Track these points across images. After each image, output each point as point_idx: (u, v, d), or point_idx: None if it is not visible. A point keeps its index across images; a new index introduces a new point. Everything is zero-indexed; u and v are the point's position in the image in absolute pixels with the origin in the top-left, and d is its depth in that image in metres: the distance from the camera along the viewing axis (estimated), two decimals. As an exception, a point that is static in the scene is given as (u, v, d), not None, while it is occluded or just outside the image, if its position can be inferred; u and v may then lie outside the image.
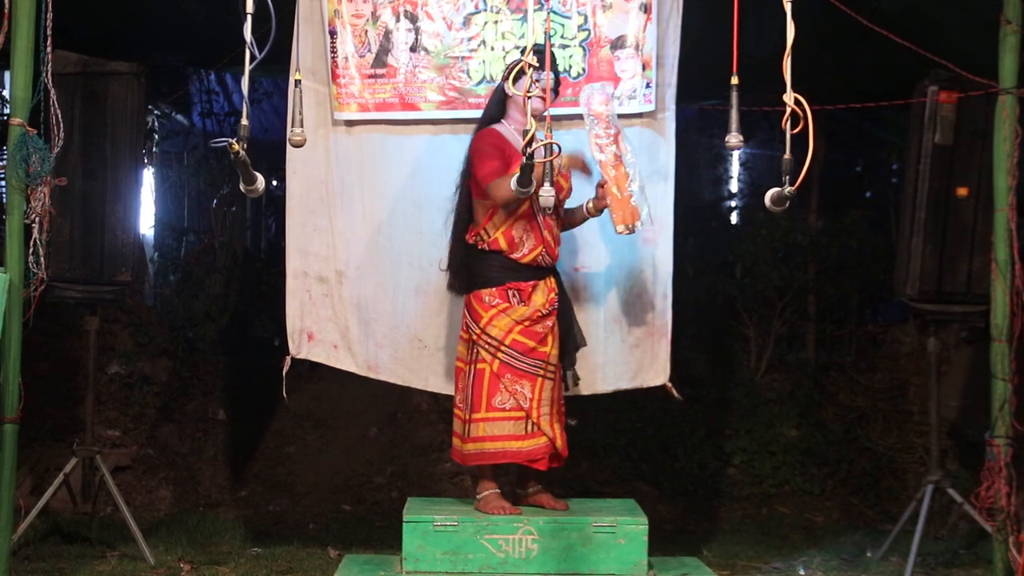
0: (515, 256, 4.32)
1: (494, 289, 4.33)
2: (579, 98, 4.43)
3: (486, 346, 4.30)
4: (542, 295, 4.34)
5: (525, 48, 3.41)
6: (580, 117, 4.53)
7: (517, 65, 4.08)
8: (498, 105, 4.38)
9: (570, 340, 4.44)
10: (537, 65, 3.39)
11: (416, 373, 4.82)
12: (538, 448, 4.31)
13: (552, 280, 4.40)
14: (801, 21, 3.01)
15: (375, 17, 4.67)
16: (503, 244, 4.31)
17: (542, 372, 4.32)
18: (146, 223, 8.00)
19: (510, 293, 4.33)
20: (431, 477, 6.50)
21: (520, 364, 4.30)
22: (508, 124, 4.34)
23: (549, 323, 4.35)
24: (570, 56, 4.66)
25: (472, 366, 4.35)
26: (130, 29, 5.45)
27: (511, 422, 4.29)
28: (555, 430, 4.32)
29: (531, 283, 4.34)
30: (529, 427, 4.31)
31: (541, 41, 3.75)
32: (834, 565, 5.16)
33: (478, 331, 4.31)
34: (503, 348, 4.29)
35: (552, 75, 4.08)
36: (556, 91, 4.38)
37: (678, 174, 4.77)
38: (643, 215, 4.28)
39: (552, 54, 4.41)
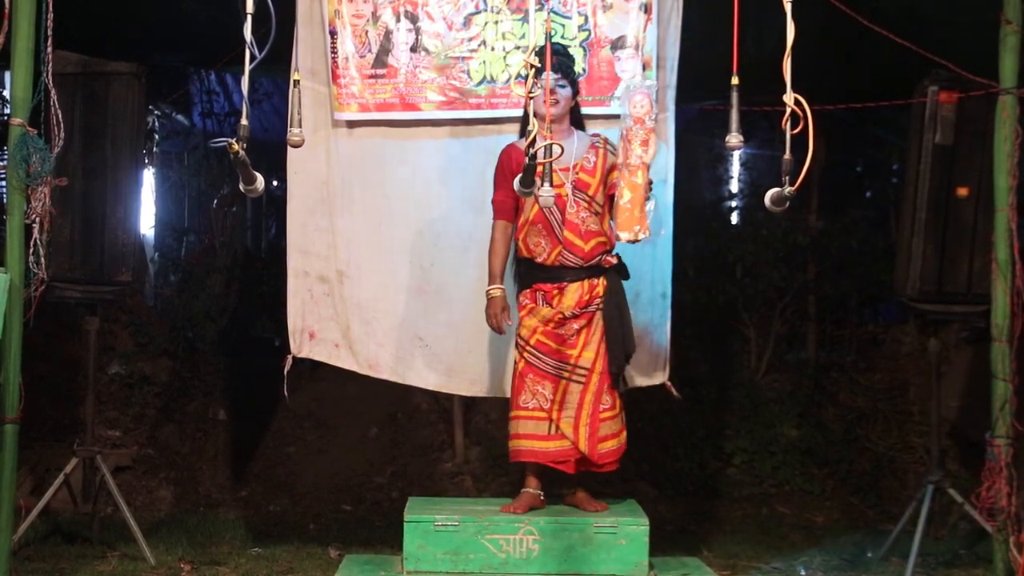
0: (539, 260, 4.37)
1: (526, 291, 4.42)
2: (617, 95, 4.48)
3: (518, 345, 4.39)
4: (572, 297, 4.33)
5: (542, 48, 3.42)
6: (589, 116, 4.60)
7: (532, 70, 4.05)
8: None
9: (615, 344, 4.34)
10: (538, 66, 3.38)
11: (417, 372, 4.83)
12: (561, 451, 4.34)
13: (591, 282, 4.35)
14: (801, 21, 3.01)
15: (375, 17, 4.67)
16: (525, 250, 4.40)
17: (567, 375, 4.33)
18: (146, 223, 7.99)
19: (537, 294, 4.38)
20: (431, 477, 6.51)
21: (542, 365, 4.34)
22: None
23: (576, 326, 4.33)
24: (570, 56, 4.65)
25: (515, 365, 4.43)
26: (130, 29, 5.45)
27: (534, 422, 4.35)
28: (580, 434, 4.31)
29: (557, 285, 4.35)
30: (551, 429, 4.34)
31: (541, 42, 3.75)
32: (834, 565, 5.16)
33: (517, 331, 4.40)
34: (528, 348, 4.35)
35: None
36: (576, 89, 4.39)
37: (678, 174, 4.78)
38: (647, 228, 4.14)
39: (569, 54, 4.43)
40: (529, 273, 4.42)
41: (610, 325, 4.34)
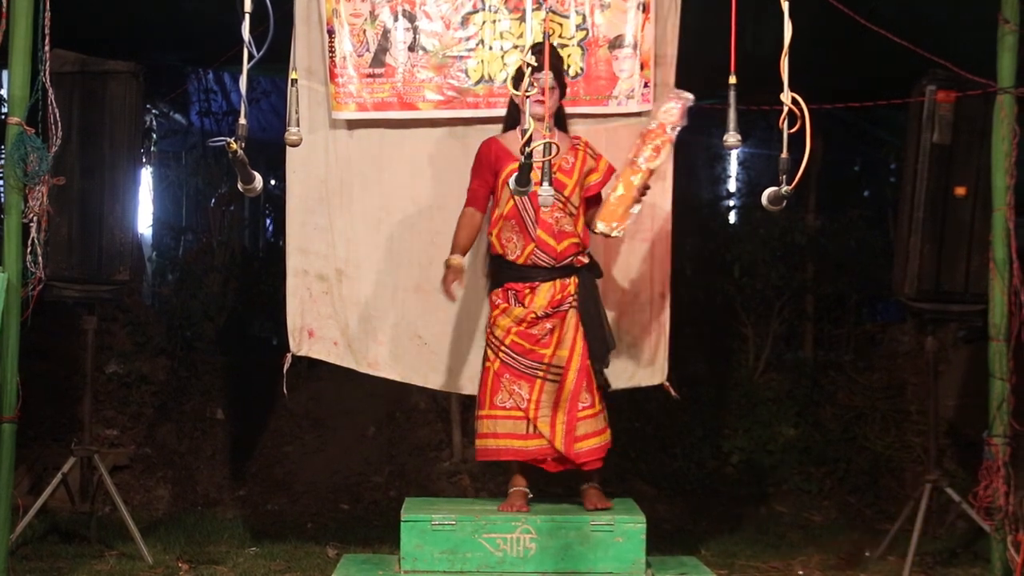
0: (510, 258, 4.36)
1: (498, 290, 4.41)
2: (615, 95, 4.56)
3: (491, 345, 4.37)
4: (544, 296, 4.32)
5: (534, 46, 3.42)
6: (587, 116, 4.63)
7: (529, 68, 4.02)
8: (515, 109, 4.37)
9: (596, 342, 4.35)
10: (535, 65, 3.38)
11: (416, 370, 4.83)
12: (539, 450, 4.33)
13: (563, 282, 4.34)
14: (798, 20, 3.01)
15: (373, 16, 4.67)
16: (498, 247, 4.38)
17: (541, 374, 4.32)
18: (144, 222, 7.99)
19: (509, 294, 4.37)
20: (429, 476, 6.51)
21: (518, 364, 4.33)
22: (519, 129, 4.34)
23: (549, 325, 4.32)
24: (568, 55, 4.65)
25: (484, 364, 4.42)
26: (128, 28, 5.45)
27: (511, 421, 4.34)
28: (556, 432, 4.30)
29: (528, 284, 4.34)
30: (528, 428, 4.33)
31: (539, 40, 3.75)
32: (832, 564, 5.17)
33: (488, 331, 4.40)
34: (503, 348, 4.34)
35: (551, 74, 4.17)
36: (563, 89, 4.38)
37: (676, 174, 4.78)
38: (624, 227, 4.24)
39: (558, 54, 4.41)
40: (501, 272, 4.41)
41: (588, 323, 4.34)
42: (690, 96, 4.35)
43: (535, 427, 4.31)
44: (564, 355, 4.33)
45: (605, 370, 4.43)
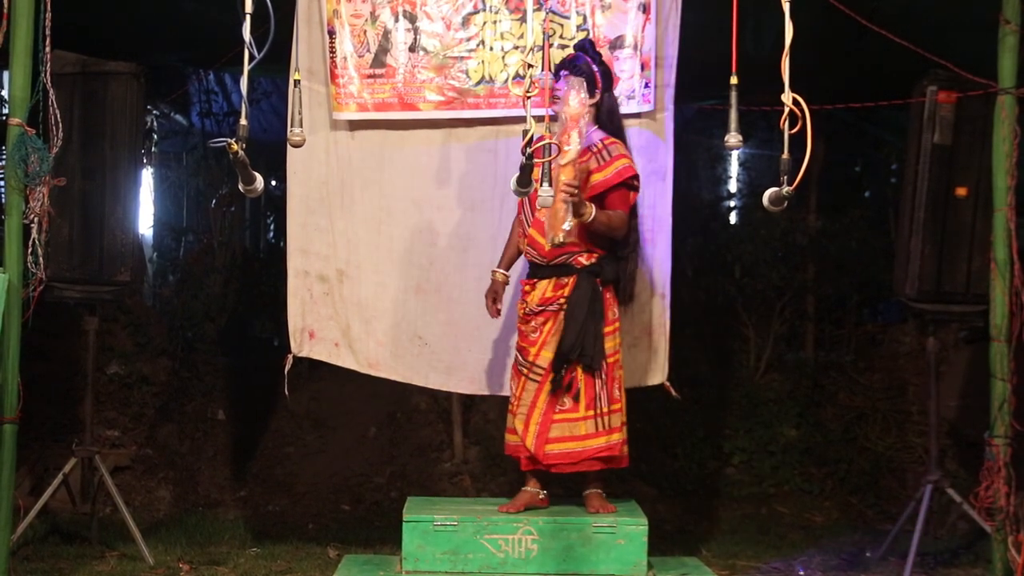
0: (522, 252, 4.42)
1: None
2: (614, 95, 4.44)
3: None
4: (538, 294, 4.31)
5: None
6: None
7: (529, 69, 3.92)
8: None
9: (564, 341, 4.19)
10: (535, 65, 3.38)
11: (416, 370, 4.84)
12: (515, 446, 4.37)
13: (560, 281, 4.26)
14: (799, 20, 3.01)
15: (374, 17, 4.67)
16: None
17: (525, 371, 4.33)
18: (145, 223, 7.99)
19: (521, 290, 4.42)
20: (430, 477, 6.50)
21: (517, 360, 4.39)
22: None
23: (534, 323, 4.31)
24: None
25: None
26: (129, 29, 5.45)
27: (510, 415, 4.40)
28: (528, 432, 4.26)
29: (530, 281, 4.36)
30: (512, 422, 4.38)
31: (539, 41, 3.74)
32: (833, 565, 5.17)
33: None
34: (517, 343, 4.42)
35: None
36: (595, 89, 4.29)
37: (677, 174, 4.79)
38: (560, 232, 3.98)
39: (594, 55, 4.32)
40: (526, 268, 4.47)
41: (567, 325, 4.20)
42: (570, 75, 4.19)
43: (515, 423, 4.34)
44: (548, 356, 4.26)
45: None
